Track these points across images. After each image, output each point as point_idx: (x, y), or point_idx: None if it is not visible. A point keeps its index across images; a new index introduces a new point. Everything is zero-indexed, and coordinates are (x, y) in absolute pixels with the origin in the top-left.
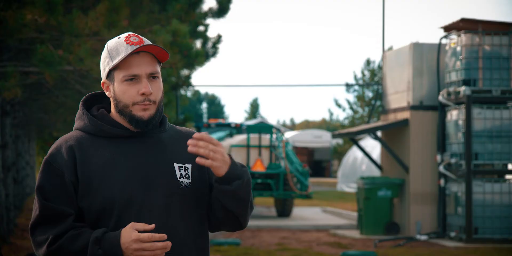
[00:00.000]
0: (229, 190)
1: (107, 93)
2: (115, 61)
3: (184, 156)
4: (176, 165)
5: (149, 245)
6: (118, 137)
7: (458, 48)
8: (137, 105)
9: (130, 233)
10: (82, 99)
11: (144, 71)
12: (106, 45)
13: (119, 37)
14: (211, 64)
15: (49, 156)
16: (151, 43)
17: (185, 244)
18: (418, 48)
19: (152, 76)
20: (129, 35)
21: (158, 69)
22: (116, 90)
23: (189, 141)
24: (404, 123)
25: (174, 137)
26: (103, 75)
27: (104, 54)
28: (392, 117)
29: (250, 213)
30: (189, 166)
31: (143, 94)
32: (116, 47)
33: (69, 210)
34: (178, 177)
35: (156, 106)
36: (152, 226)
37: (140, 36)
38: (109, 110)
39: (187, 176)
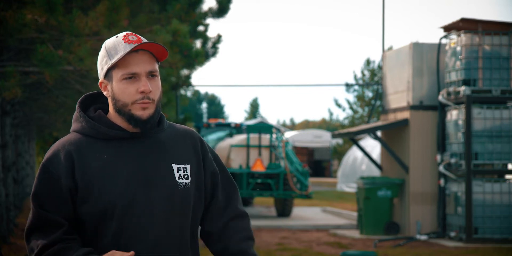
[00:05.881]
0: None
1: (105, 93)
2: (114, 60)
3: (182, 156)
4: (174, 166)
5: None
6: (116, 138)
7: (458, 48)
8: (136, 104)
9: None
10: (78, 101)
11: (144, 69)
12: (103, 44)
13: (117, 36)
14: (211, 64)
15: (46, 161)
16: (150, 41)
17: (184, 244)
18: (418, 48)
19: (151, 75)
20: (127, 34)
21: (157, 67)
22: (115, 89)
23: None
24: (404, 123)
25: (173, 136)
26: (101, 74)
27: (102, 53)
28: (392, 117)
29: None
30: (188, 166)
31: (142, 92)
32: (115, 46)
33: (62, 220)
34: (176, 178)
35: (155, 105)
36: (132, 253)
37: (137, 35)
38: (106, 110)
39: (186, 176)
